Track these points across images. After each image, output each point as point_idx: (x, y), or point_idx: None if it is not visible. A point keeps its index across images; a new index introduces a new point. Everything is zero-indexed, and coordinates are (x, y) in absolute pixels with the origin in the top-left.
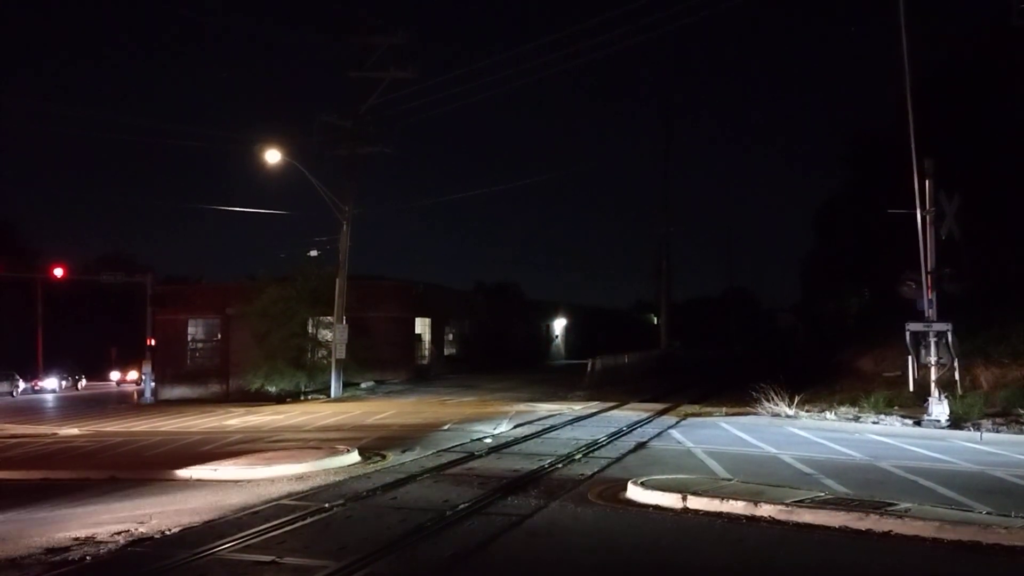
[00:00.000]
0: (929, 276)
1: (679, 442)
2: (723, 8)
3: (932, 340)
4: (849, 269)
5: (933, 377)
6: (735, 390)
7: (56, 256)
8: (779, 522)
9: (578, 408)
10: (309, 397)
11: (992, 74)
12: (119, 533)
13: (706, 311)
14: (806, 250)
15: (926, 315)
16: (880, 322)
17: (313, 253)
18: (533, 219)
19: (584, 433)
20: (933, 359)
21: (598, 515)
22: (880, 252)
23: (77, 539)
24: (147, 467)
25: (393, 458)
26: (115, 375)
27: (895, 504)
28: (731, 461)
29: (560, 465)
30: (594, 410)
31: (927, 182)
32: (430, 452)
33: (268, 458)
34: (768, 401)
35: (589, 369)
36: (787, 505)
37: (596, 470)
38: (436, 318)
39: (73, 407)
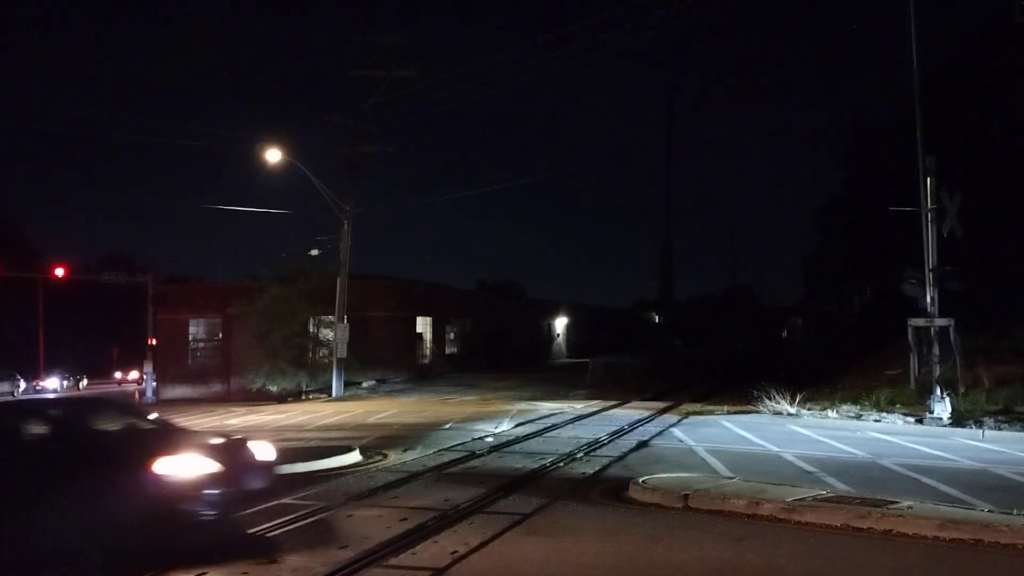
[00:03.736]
0: (931, 274)
1: (681, 440)
2: (727, 5)
3: (934, 337)
4: (851, 267)
5: (935, 375)
6: (737, 388)
7: (57, 256)
8: (780, 520)
9: (579, 407)
10: (310, 396)
11: (994, 71)
12: None
13: (708, 309)
14: (809, 248)
15: (928, 312)
16: (882, 320)
17: (314, 252)
18: (535, 218)
19: (586, 432)
20: (935, 356)
21: (600, 513)
22: (882, 250)
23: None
24: None
25: (394, 457)
26: (117, 375)
27: (897, 502)
28: (733, 459)
29: (562, 464)
30: (595, 409)
31: (929, 180)
32: (432, 451)
33: None
34: (770, 399)
35: (590, 368)
36: (788, 503)
37: (598, 469)
38: (437, 317)
39: None
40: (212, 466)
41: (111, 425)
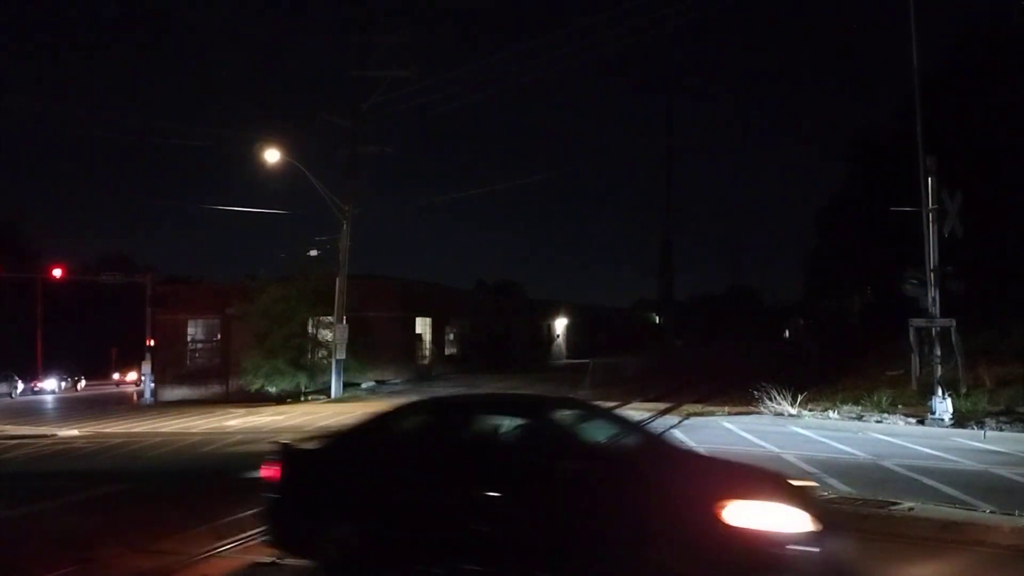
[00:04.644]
0: (932, 274)
1: (681, 441)
2: (727, 4)
3: (936, 337)
4: (851, 267)
5: (937, 375)
6: (738, 389)
7: (56, 256)
8: None
9: None
10: (309, 397)
11: (994, 71)
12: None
13: (709, 309)
14: (809, 248)
15: (929, 312)
16: (883, 320)
17: (313, 253)
18: (535, 218)
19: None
20: (937, 357)
21: None
22: (882, 250)
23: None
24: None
25: None
26: (115, 376)
27: (898, 503)
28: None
29: None
30: None
31: (929, 180)
32: None
33: None
34: (771, 400)
35: (590, 368)
36: None
37: None
38: (437, 318)
39: (72, 408)
40: (803, 520)
41: (615, 442)
